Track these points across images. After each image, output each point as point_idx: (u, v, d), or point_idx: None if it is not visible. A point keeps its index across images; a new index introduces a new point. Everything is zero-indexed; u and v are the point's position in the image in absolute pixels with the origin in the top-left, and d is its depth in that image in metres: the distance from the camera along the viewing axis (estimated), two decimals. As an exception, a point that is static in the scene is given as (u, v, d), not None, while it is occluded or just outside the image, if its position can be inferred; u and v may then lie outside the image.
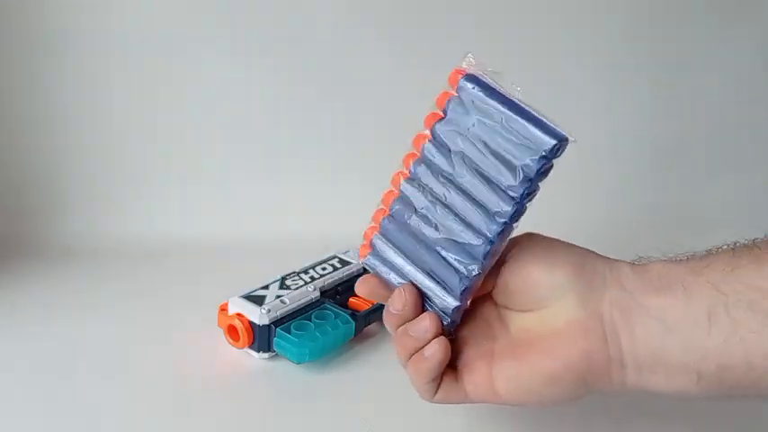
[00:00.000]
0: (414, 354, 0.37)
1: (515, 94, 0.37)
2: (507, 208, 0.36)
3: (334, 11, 0.86)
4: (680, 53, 0.91)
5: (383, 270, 0.40)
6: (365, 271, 0.57)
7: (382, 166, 0.87)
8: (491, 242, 0.36)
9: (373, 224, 0.42)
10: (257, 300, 0.55)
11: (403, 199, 0.40)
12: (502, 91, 0.37)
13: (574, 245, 0.38)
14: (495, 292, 0.38)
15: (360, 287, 0.41)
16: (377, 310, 0.59)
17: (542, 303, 0.36)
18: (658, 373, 0.33)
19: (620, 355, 0.34)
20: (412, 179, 0.40)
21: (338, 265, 0.62)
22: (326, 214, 0.85)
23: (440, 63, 0.89)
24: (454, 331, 0.39)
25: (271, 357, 0.55)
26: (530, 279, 0.36)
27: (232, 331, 0.55)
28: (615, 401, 0.49)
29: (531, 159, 0.35)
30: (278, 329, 0.53)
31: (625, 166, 0.93)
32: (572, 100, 0.92)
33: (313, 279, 0.59)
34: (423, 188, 0.39)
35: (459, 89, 0.38)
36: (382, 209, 0.41)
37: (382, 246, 0.41)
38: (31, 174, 0.87)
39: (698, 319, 0.31)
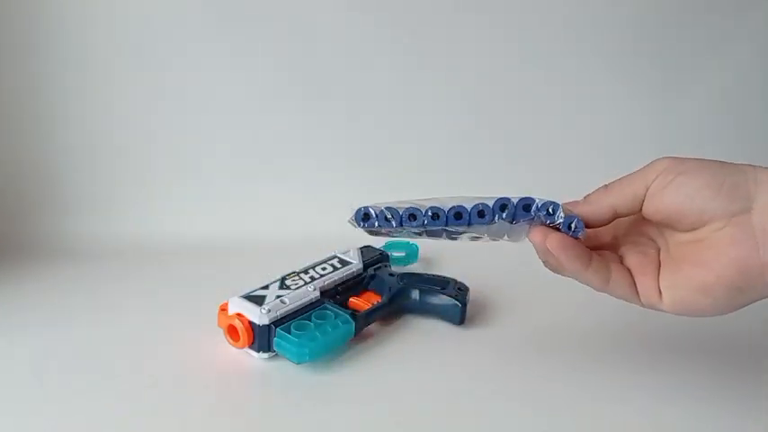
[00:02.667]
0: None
1: None
2: None
3: (335, 12, 0.86)
4: (680, 53, 0.91)
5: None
6: (365, 270, 0.58)
7: (382, 166, 0.88)
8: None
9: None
10: (257, 300, 0.55)
11: None
12: None
13: (710, 163, 0.39)
14: (647, 215, 0.41)
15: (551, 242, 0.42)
16: (377, 310, 0.59)
17: (691, 227, 0.39)
18: None
19: None
20: None
21: (338, 265, 0.62)
22: (326, 214, 0.84)
23: (440, 64, 0.90)
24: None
25: (271, 357, 0.55)
26: (672, 212, 0.39)
27: (232, 331, 0.54)
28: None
29: None
30: (278, 329, 0.52)
31: (625, 166, 0.93)
32: (572, 100, 0.92)
33: (313, 279, 0.59)
34: None
35: None
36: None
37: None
38: (31, 174, 0.87)
39: None
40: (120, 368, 0.54)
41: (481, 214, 0.43)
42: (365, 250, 0.67)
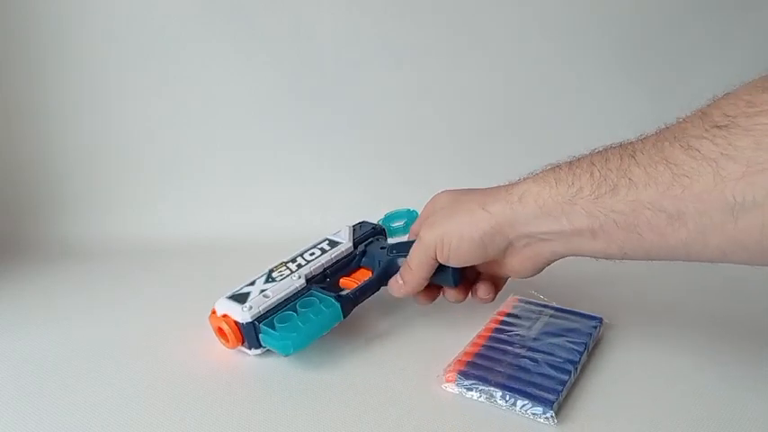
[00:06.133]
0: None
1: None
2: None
3: (334, 13, 0.86)
4: (680, 53, 0.91)
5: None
6: (355, 248, 0.61)
7: (380, 166, 0.87)
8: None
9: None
10: (241, 298, 0.53)
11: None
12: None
13: (460, 224, 0.49)
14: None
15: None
16: (364, 288, 0.56)
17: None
18: (576, 254, 0.47)
19: (553, 253, 0.48)
20: None
21: (327, 248, 0.60)
22: (326, 214, 0.84)
23: (437, 65, 0.90)
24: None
25: (265, 353, 0.54)
26: (465, 264, 0.51)
27: (221, 333, 0.53)
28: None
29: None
30: (261, 325, 0.51)
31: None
32: (572, 100, 0.92)
33: (300, 267, 0.57)
34: None
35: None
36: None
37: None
38: (30, 174, 0.87)
39: (584, 236, 0.44)
40: (117, 367, 0.54)
41: None
42: (359, 227, 0.64)
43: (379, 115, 0.89)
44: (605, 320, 0.57)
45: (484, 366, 0.50)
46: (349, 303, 0.55)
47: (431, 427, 0.45)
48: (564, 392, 0.47)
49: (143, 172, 0.87)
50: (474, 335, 0.55)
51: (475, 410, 0.47)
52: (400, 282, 0.54)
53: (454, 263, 0.51)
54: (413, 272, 0.53)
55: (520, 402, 0.46)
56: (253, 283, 0.56)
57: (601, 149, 0.45)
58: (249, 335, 0.52)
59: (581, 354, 0.52)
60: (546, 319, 0.57)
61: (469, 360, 0.51)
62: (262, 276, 0.56)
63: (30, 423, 0.46)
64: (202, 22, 0.84)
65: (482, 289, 0.54)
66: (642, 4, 0.89)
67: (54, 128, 0.87)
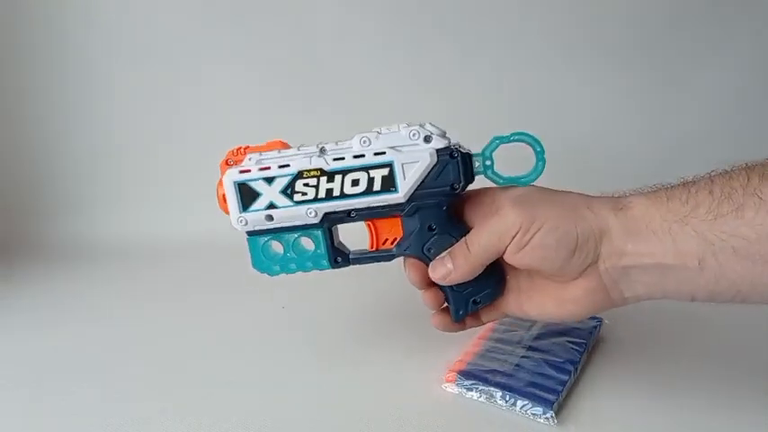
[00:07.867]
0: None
1: None
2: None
3: (333, 14, 0.86)
4: (680, 53, 0.91)
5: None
6: (406, 203, 0.45)
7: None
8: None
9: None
10: (247, 196, 0.46)
11: None
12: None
13: (556, 210, 0.40)
14: (509, 262, 0.43)
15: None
16: (372, 260, 0.47)
17: (549, 275, 0.42)
18: (656, 297, 0.40)
19: (623, 296, 0.40)
20: None
21: (376, 186, 0.44)
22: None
23: (436, 65, 0.90)
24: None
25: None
26: (532, 267, 0.41)
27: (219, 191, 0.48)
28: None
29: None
30: (249, 238, 0.47)
31: (626, 167, 0.92)
32: (572, 100, 0.92)
33: (329, 194, 0.45)
34: None
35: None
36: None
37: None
38: (31, 175, 0.86)
39: (689, 265, 0.36)
40: (117, 367, 0.53)
41: None
42: (444, 164, 0.44)
43: (380, 115, 0.89)
44: (605, 320, 0.57)
45: (484, 366, 0.50)
46: (344, 266, 0.47)
47: (431, 427, 0.44)
48: (564, 392, 0.47)
49: (144, 174, 0.87)
50: (474, 335, 0.55)
51: (475, 410, 0.46)
52: (449, 266, 0.43)
53: (524, 259, 0.41)
54: (470, 255, 0.42)
55: (520, 402, 0.46)
56: (271, 182, 0.45)
57: (721, 169, 0.38)
58: None
59: (581, 354, 0.51)
60: None
61: (470, 360, 0.51)
62: (285, 177, 0.45)
63: (30, 423, 0.46)
64: (203, 24, 0.84)
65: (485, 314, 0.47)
66: (643, 4, 0.89)
67: (56, 130, 0.86)
